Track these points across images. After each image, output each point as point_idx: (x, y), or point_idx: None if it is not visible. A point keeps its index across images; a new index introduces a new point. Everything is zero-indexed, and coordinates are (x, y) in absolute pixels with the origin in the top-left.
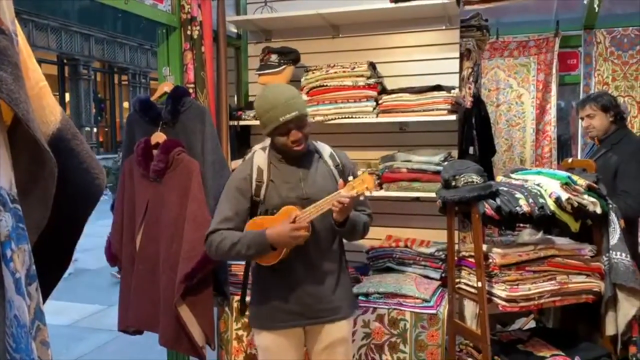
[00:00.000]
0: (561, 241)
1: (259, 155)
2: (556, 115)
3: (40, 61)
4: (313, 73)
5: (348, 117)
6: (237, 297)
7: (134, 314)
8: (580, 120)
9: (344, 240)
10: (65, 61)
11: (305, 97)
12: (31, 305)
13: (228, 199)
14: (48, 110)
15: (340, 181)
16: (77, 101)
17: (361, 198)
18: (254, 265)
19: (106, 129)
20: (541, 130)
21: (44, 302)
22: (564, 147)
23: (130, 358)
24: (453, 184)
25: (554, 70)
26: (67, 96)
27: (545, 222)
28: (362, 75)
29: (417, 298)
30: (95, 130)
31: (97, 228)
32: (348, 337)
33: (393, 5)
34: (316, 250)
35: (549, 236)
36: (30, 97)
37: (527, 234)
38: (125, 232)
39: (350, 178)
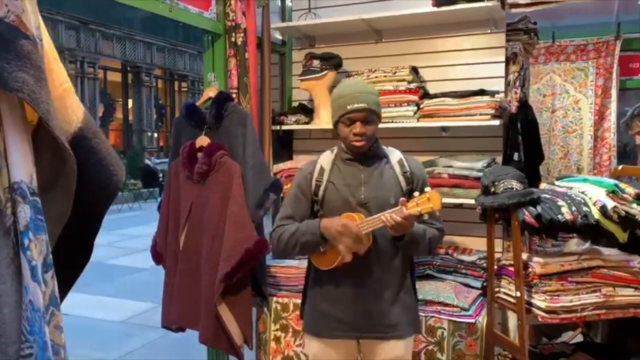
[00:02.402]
0: (608, 252)
1: (326, 154)
2: (616, 122)
3: (105, 69)
4: (354, 78)
5: (388, 122)
6: (275, 298)
7: (177, 311)
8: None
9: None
10: (128, 69)
11: None
12: (46, 291)
13: (290, 197)
14: (71, 110)
15: (402, 199)
16: (139, 107)
17: (424, 218)
18: (312, 270)
19: (167, 134)
20: (600, 137)
21: (67, 292)
22: (629, 155)
23: (176, 355)
24: (492, 190)
25: (614, 75)
26: (130, 102)
27: (590, 232)
28: (403, 80)
29: (456, 306)
30: (156, 135)
31: (152, 229)
32: (404, 357)
33: (436, 9)
34: (376, 262)
35: (597, 247)
36: (54, 97)
37: (574, 243)
38: (170, 231)
39: (416, 194)
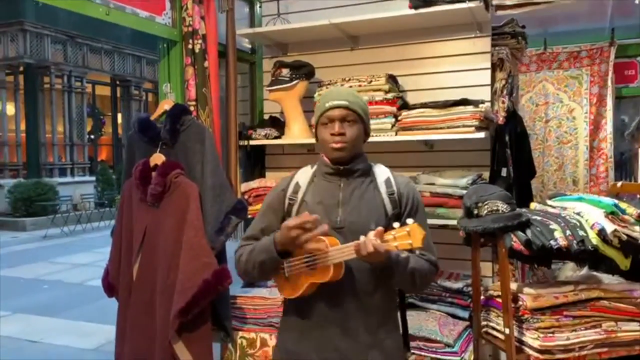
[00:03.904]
0: (609, 280)
1: (305, 169)
2: (613, 132)
3: (93, 83)
4: (327, 88)
5: None
6: (241, 333)
7: (130, 349)
8: None
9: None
10: (117, 82)
11: None
12: None
13: (259, 215)
14: None
15: (379, 229)
16: (129, 121)
17: (402, 255)
18: (285, 302)
19: None
20: (596, 147)
21: None
22: (626, 165)
23: None
24: (475, 212)
25: (609, 83)
26: (120, 116)
27: (588, 258)
28: (379, 90)
29: (439, 342)
30: None
31: None
32: None
33: (413, 12)
34: (350, 296)
35: (595, 273)
36: None
37: (569, 268)
38: (122, 260)
39: (396, 225)
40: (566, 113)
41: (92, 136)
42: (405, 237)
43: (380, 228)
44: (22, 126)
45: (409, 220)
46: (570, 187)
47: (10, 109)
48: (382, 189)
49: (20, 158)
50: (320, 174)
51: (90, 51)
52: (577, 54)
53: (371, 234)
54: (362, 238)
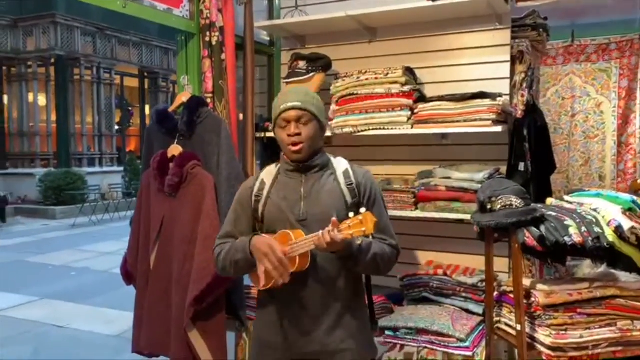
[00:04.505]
0: (626, 278)
1: (269, 167)
2: None
3: (122, 74)
4: (343, 80)
5: (379, 128)
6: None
7: (146, 336)
8: None
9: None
10: (145, 74)
11: (334, 107)
12: None
13: (230, 214)
14: None
15: (334, 219)
16: None
17: (357, 242)
18: (259, 293)
19: None
20: (624, 142)
21: None
22: None
23: None
24: (489, 207)
25: (639, 76)
26: (147, 108)
27: (604, 255)
28: (396, 82)
29: (451, 336)
30: None
31: None
32: None
33: (432, 3)
34: (316, 281)
35: (613, 271)
36: None
37: (587, 265)
38: (140, 249)
39: (351, 214)
40: (593, 107)
41: (120, 127)
42: (358, 225)
43: (334, 219)
44: (53, 117)
45: (362, 209)
46: (597, 183)
47: (41, 100)
48: (341, 180)
49: (50, 148)
50: (282, 172)
51: (118, 43)
52: (606, 47)
53: (328, 229)
54: (320, 232)
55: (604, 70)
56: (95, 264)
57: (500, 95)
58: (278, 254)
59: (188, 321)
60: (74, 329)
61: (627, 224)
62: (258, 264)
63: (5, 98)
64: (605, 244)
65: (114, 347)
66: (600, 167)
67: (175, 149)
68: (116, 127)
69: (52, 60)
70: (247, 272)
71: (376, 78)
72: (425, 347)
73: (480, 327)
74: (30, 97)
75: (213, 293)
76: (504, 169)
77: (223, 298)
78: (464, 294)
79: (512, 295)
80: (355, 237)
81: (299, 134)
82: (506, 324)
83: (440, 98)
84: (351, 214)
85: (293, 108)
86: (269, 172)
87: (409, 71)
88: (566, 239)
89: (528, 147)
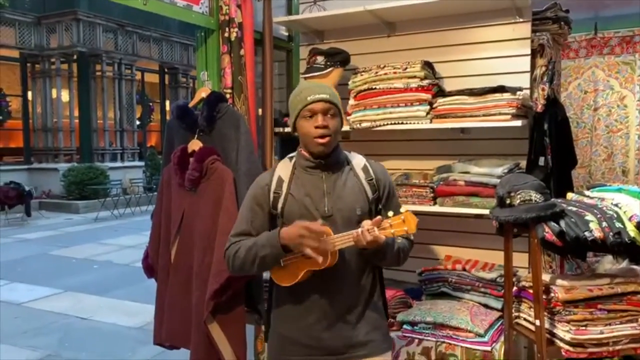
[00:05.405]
0: None
1: (284, 163)
2: None
3: (142, 70)
4: (361, 75)
5: (397, 123)
6: None
7: (167, 328)
8: None
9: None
10: (166, 70)
11: (352, 102)
12: None
13: (245, 211)
14: None
15: (378, 218)
16: None
17: (398, 241)
18: (273, 289)
19: None
20: None
21: None
22: None
23: None
24: (508, 202)
25: None
26: (168, 104)
27: (625, 251)
28: (414, 77)
29: (470, 331)
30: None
31: None
32: None
33: None
34: (342, 279)
35: (635, 266)
36: None
37: (608, 261)
38: (161, 242)
39: (391, 214)
40: (617, 100)
41: (141, 122)
42: (400, 225)
43: (378, 217)
44: (76, 112)
45: (402, 208)
46: (620, 178)
47: (64, 96)
48: (361, 175)
49: (73, 143)
50: (300, 168)
51: (139, 39)
52: (629, 39)
53: (367, 223)
54: (360, 228)
55: (628, 63)
56: (117, 257)
57: (520, 89)
58: (316, 228)
59: (208, 314)
60: (97, 320)
61: None
62: (301, 249)
63: (30, 94)
64: (626, 239)
65: (136, 338)
66: (624, 162)
67: (195, 144)
68: (137, 123)
69: (75, 57)
70: (269, 269)
71: (395, 72)
72: (444, 342)
73: (499, 323)
74: (54, 93)
75: (232, 286)
76: (523, 163)
77: (242, 291)
78: (482, 289)
79: (531, 291)
80: (395, 236)
81: (326, 126)
82: (525, 319)
83: (460, 92)
84: (390, 213)
85: (321, 100)
86: (285, 168)
87: (428, 65)
88: (586, 234)
89: (548, 141)
